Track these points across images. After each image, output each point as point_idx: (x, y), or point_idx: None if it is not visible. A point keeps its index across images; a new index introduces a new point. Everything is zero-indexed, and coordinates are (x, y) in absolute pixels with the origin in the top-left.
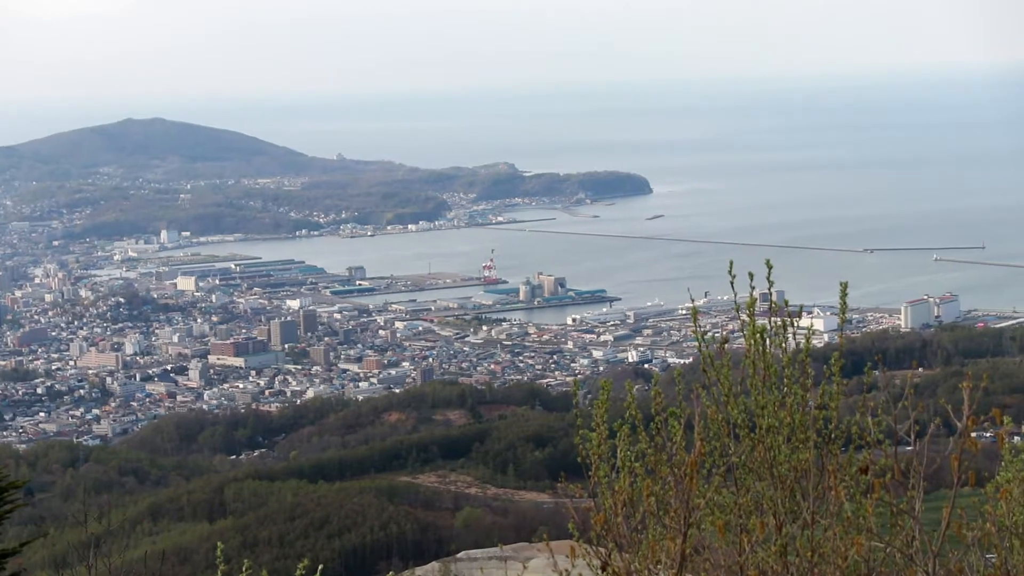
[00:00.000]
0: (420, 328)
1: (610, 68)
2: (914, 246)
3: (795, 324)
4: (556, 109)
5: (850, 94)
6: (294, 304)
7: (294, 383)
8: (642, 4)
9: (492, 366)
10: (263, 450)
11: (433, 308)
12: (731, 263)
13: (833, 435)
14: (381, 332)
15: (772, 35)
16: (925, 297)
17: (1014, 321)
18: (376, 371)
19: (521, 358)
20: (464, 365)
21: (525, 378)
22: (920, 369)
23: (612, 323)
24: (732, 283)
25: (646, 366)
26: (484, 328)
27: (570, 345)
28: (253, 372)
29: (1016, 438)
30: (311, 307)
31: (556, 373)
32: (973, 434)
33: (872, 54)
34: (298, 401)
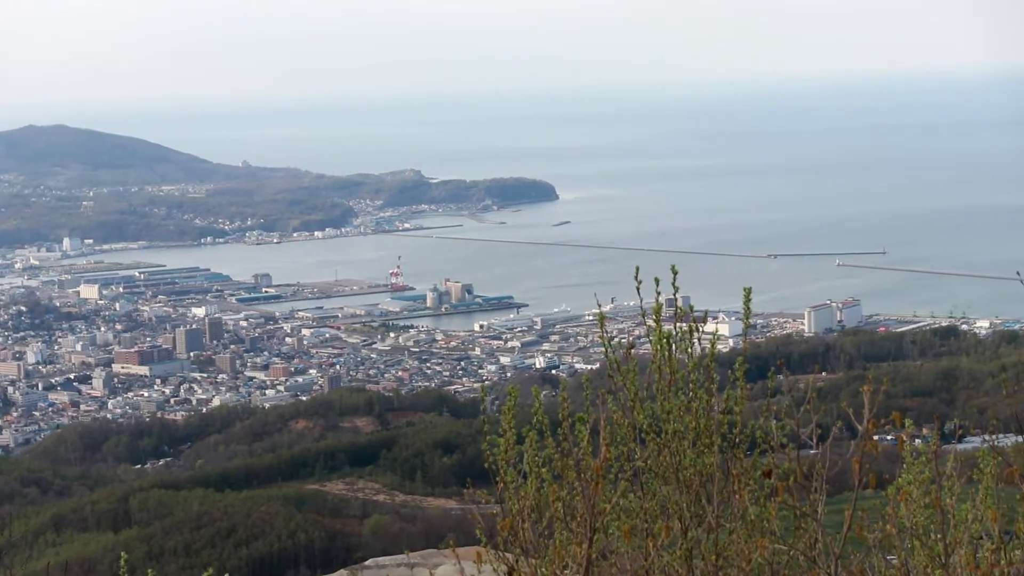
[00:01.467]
0: (327, 335)
1: (519, 76)
2: (817, 251)
3: (700, 329)
4: (463, 116)
5: (765, 102)
6: (199, 312)
7: (200, 391)
8: (558, 12)
9: (400, 373)
10: (168, 459)
11: (340, 315)
12: (637, 269)
13: (738, 439)
14: (288, 340)
15: (695, 44)
16: (828, 302)
17: (915, 325)
18: (283, 379)
19: (429, 365)
20: (371, 372)
21: (433, 385)
22: (823, 373)
23: (519, 329)
24: (638, 289)
25: (553, 372)
26: (391, 335)
27: (477, 351)
28: (158, 381)
29: (917, 441)
30: (217, 315)
31: (464, 379)
32: (874, 437)
33: (788, 63)
34: (204, 410)
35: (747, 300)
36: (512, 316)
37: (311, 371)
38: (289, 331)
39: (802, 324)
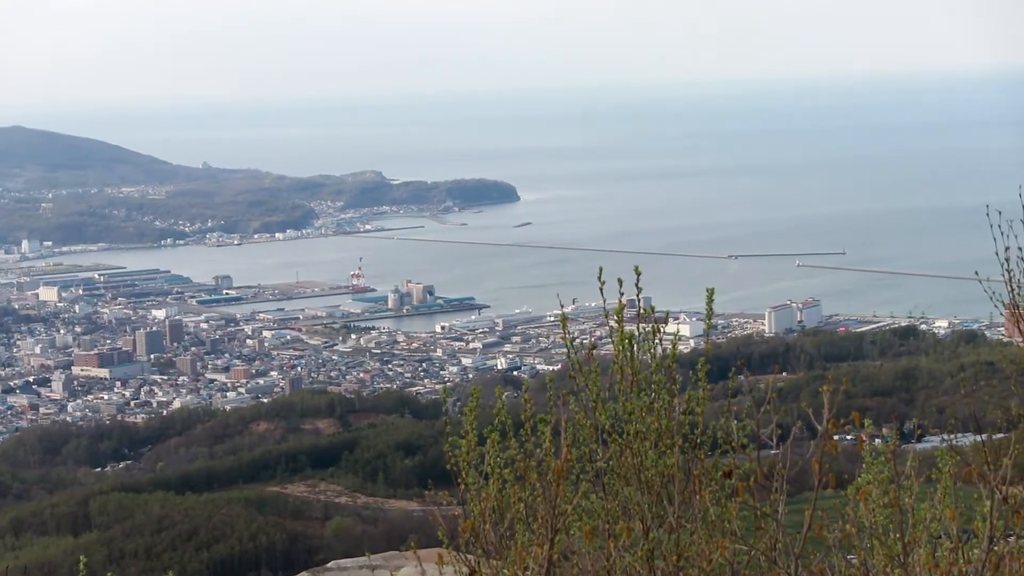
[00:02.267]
0: (288, 337)
1: (482, 77)
2: (777, 252)
3: (662, 330)
4: (425, 117)
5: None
6: (160, 314)
7: (160, 394)
8: (520, 12)
9: (361, 374)
10: (129, 462)
11: (301, 317)
12: (600, 270)
13: (699, 440)
14: (249, 341)
15: (659, 44)
16: (788, 302)
17: (874, 326)
18: (244, 381)
19: (390, 366)
20: (333, 374)
21: (394, 386)
22: (783, 373)
23: (481, 331)
24: (601, 289)
25: (515, 373)
26: (353, 337)
27: (439, 353)
28: (118, 383)
29: (876, 440)
30: (177, 317)
31: (425, 381)
32: (834, 437)
33: (753, 63)
34: (164, 412)
35: (709, 301)
36: (474, 317)
37: (272, 373)
38: (250, 333)
39: (763, 324)
